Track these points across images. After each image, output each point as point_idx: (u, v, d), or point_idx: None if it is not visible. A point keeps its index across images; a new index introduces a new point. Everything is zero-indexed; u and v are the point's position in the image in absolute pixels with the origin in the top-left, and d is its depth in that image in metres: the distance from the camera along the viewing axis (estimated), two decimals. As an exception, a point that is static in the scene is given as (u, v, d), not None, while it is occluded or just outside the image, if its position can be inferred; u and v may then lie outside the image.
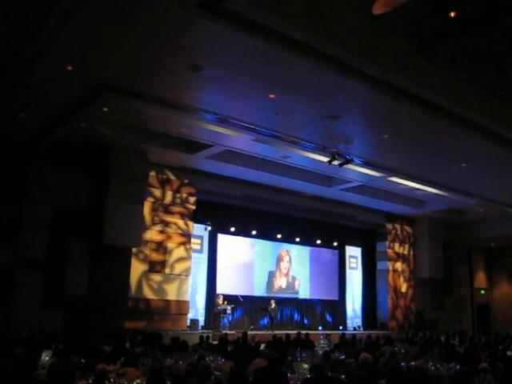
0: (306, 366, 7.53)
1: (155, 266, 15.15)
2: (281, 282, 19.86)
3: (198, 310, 16.95)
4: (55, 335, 10.87)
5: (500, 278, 25.78)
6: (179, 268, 15.58)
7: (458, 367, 8.03)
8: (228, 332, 14.68)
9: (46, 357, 7.80)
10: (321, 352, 9.63)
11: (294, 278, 20.22)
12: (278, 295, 19.28)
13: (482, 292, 25.58)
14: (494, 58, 9.19)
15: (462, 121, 11.22)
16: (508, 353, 11.24)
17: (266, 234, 19.29)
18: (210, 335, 13.39)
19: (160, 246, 15.35)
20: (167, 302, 15.21)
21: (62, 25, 7.98)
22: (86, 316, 13.10)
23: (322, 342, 13.34)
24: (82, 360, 7.27)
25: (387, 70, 9.16)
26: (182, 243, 15.82)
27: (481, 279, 25.61)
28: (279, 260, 19.97)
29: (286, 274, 20.07)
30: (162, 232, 15.45)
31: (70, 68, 9.32)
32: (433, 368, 8.23)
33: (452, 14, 7.96)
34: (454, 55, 9.17)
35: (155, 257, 15.20)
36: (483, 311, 25.14)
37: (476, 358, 9.55)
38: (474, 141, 12.41)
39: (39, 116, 11.74)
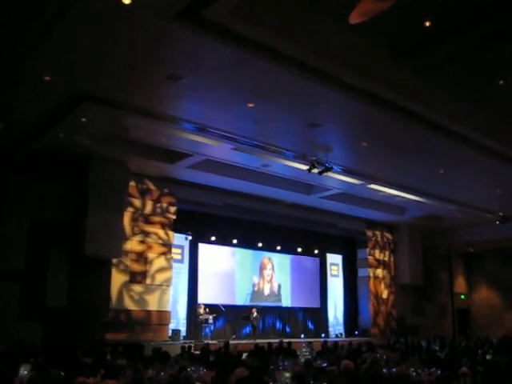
0: (287, 374, 7.53)
1: (136, 277, 15.03)
2: (265, 289, 19.84)
3: (179, 320, 16.84)
4: (34, 348, 10.71)
5: (479, 282, 26.08)
6: (160, 278, 15.49)
7: (438, 372, 8.09)
8: (210, 342, 14.62)
9: (24, 371, 7.66)
10: (303, 360, 9.63)
11: (277, 286, 20.21)
12: (261, 303, 19.26)
13: (462, 297, 25.83)
14: (471, 66, 9.35)
15: (440, 128, 11.37)
16: (487, 357, 11.35)
17: (246, 243, 19.25)
18: (192, 345, 13.31)
19: (140, 257, 15.24)
20: (148, 312, 15.09)
21: (40, 35, 7.95)
22: (66, 328, 12.92)
23: (304, 350, 13.33)
24: (62, 373, 7.17)
25: (366, 78, 9.26)
26: (163, 253, 15.73)
27: (460, 284, 25.88)
28: (262, 268, 19.96)
29: (270, 281, 20.07)
30: (142, 242, 15.35)
31: (47, 78, 9.26)
32: (414, 374, 8.27)
33: (427, 24, 8.11)
34: (432, 63, 9.32)
35: (136, 267, 15.08)
36: (463, 316, 25.38)
37: (456, 362, 9.63)
38: (451, 147, 12.58)
39: (17, 127, 11.64)
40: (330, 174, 13.52)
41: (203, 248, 18.14)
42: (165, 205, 15.92)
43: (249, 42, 7.95)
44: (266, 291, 19.89)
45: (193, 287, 17.43)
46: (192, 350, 12.50)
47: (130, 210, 15.08)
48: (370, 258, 22.08)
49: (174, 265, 16.33)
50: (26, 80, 9.49)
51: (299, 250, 20.67)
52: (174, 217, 16.12)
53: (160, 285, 15.47)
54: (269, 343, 13.34)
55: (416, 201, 17.88)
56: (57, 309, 13.10)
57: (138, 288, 15.02)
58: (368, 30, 8.15)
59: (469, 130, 11.60)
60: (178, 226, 16.50)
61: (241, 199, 17.41)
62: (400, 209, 20.10)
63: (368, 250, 22.02)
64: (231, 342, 14.06)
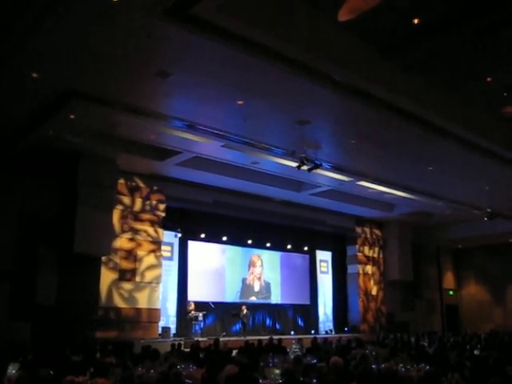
0: (277, 371, 7.55)
1: (125, 275, 14.99)
2: (254, 286, 19.86)
3: (169, 318, 16.83)
4: (23, 347, 10.65)
5: (467, 278, 26.29)
6: (150, 276, 15.46)
7: (427, 368, 8.14)
8: (200, 339, 14.62)
9: (12, 370, 7.63)
10: (293, 357, 9.66)
11: (266, 283, 20.24)
12: (251, 301, 19.29)
13: (451, 293, 26.01)
14: (459, 63, 9.41)
15: (429, 125, 11.42)
16: (475, 352, 11.44)
17: (236, 240, 19.28)
18: (182, 343, 13.29)
19: (130, 254, 15.20)
20: (138, 310, 15.06)
21: (27, 31, 7.90)
22: (56, 326, 12.85)
23: (294, 346, 13.36)
24: (51, 372, 7.14)
25: (355, 75, 9.27)
26: (152, 251, 15.70)
27: (449, 280, 26.05)
28: (251, 265, 19.97)
29: (259, 279, 20.09)
30: (131, 240, 15.31)
31: (34, 75, 9.19)
32: (403, 369, 8.31)
33: (416, 21, 8.15)
34: (420, 60, 9.37)
35: (125, 265, 15.04)
36: (452, 311, 25.56)
37: (445, 357, 9.70)
38: (439, 144, 12.63)
39: (5, 124, 11.55)
40: (319, 171, 13.53)
41: (193, 245, 18.14)
42: (154, 202, 15.88)
43: (237, 39, 7.93)
44: (256, 288, 19.91)
45: (182, 284, 17.42)
46: (182, 348, 12.47)
47: (120, 207, 15.03)
48: (360, 254, 22.16)
49: (164, 262, 16.29)
50: (13, 77, 9.42)
51: (289, 246, 20.72)
52: (163, 214, 16.09)
53: (149, 282, 15.44)
54: (259, 340, 13.37)
55: (405, 197, 17.97)
56: (46, 307, 13.02)
57: (127, 286, 14.99)
58: (357, 27, 8.18)
59: (457, 126, 11.67)
60: (167, 224, 16.48)
61: (230, 196, 17.39)
62: (389, 205, 20.18)
63: (357, 246, 22.10)
64: (221, 339, 14.07)
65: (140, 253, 15.40)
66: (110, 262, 14.67)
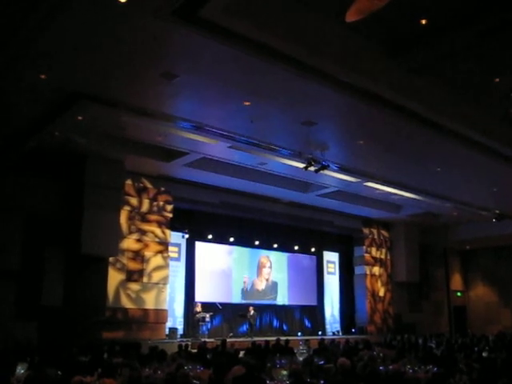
0: (285, 372, 7.53)
1: (133, 275, 15.04)
2: (261, 287, 19.86)
3: (176, 319, 16.86)
4: (30, 347, 10.69)
5: (475, 279, 26.13)
6: (157, 276, 15.49)
7: (435, 369, 8.10)
8: (207, 340, 14.64)
9: (20, 370, 7.65)
10: (300, 358, 9.64)
11: (273, 283, 20.24)
12: (257, 301, 19.28)
13: (458, 294, 25.87)
14: (466, 63, 9.36)
15: (436, 126, 11.38)
16: (483, 354, 11.37)
17: (243, 241, 19.29)
18: (189, 343, 13.30)
19: (137, 255, 15.24)
20: (145, 310, 15.09)
21: (35, 33, 7.93)
22: (63, 327, 12.89)
23: (301, 347, 13.33)
24: (59, 372, 7.16)
25: (362, 76, 9.25)
26: (160, 251, 15.74)
27: (457, 281, 25.91)
28: (261, 267, 19.97)
29: (267, 280, 20.09)
30: (139, 241, 15.35)
31: (42, 77, 9.24)
32: (410, 371, 8.28)
33: (423, 22, 8.12)
34: (427, 61, 9.32)
35: (132, 266, 15.08)
36: (460, 313, 25.43)
37: (453, 359, 9.65)
38: (447, 145, 12.59)
39: (12, 125, 11.61)
40: (326, 171, 13.52)
41: (200, 246, 18.16)
42: (161, 203, 15.91)
43: (244, 41, 7.93)
44: (263, 289, 19.89)
45: (189, 285, 17.45)
46: (189, 349, 12.48)
47: (127, 208, 15.07)
48: (367, 255, 22.12)
49: (171, 263, 16.34)
50: (21, 79, 9.46)
51: (296, 247, 20.71)
52: (170, 215, 16.12)
53: (157, 283, 15.47)
54: (266, 341, 13.36)
55: (412, 198, 17.91)
56: (53, 308, 13.07)
57: (134, 286, 15.02)
58: (364, 28, 8.16)
59: (465, 127, 11.61)
60: (174, 224, 16.51)
61: (238, 197, 17.41)
62: (396, 206, 20.13)
63: (365, 247, 22.06)
64: (228, 340, 14.07)
65: (147, 254, 15.43)
66: (118, 263, 14.72)
